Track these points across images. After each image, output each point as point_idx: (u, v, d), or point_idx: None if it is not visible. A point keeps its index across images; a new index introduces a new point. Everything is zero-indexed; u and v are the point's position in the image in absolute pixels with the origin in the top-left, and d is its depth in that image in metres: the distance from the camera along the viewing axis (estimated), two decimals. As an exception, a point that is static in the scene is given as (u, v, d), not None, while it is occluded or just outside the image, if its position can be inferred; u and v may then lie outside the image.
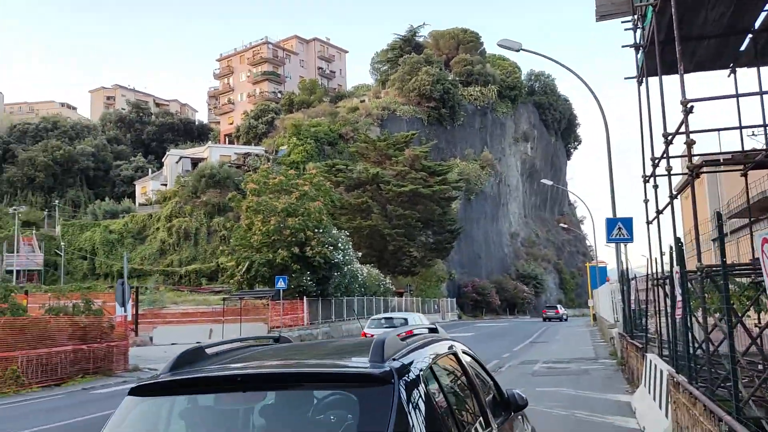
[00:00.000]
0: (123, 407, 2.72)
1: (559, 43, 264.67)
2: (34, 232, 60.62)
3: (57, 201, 72.48)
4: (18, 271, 54.99)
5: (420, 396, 2.59)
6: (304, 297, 31.99)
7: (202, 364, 3.03)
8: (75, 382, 16.41)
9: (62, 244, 59.12)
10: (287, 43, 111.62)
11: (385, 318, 22.16)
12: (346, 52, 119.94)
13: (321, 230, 32.70)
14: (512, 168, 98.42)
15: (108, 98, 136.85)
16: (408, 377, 2.59)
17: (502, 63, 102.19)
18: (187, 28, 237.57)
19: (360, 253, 39.18)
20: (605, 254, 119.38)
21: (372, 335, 16.91)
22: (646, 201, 10.56)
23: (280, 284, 28.68)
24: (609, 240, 16.34)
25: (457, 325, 51.43)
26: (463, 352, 3.83)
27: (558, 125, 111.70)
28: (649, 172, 9.93)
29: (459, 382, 3.56)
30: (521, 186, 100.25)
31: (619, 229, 15.77)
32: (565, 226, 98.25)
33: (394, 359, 2.67)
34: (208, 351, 3.28)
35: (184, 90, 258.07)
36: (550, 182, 47.62)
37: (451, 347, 3.67)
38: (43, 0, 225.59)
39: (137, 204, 73.59)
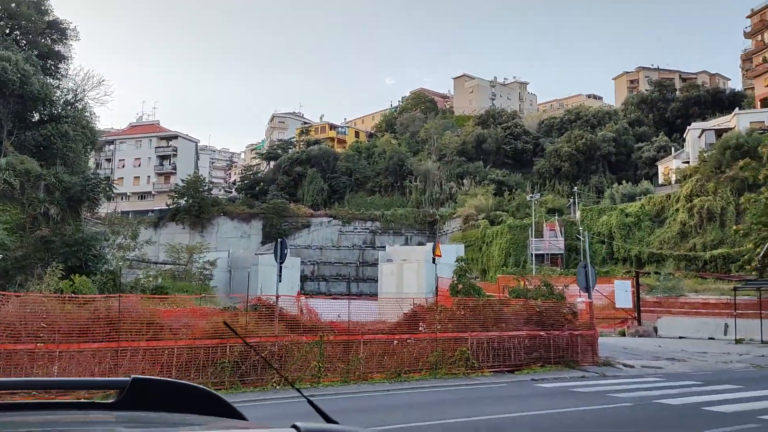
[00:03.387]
0: None
1: None
2: (556, 218, 64.00)
3: (577, 187, 75.20)
4: (543, 255, 58.97)
5: None
6: None
7: None
8: (530, 371, 15.14)
9: (581, 228, 60.49)
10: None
11: None
12: None
13: None
14: None
15: (631, 82, 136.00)
16: None
17: None
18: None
19: None
20: None
21: None
22: None
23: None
24: None
25: None
26: None
27: None
28: None
29: None
30: None
31: None
32: None
33: None
34: None
35: (714, 60, 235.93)
36: None
37: None
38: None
39: (657, 185, 69.79)
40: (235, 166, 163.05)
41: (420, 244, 74.18)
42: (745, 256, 28.66)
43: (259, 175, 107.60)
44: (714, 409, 10.39)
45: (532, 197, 60.84)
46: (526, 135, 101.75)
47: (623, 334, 28.04)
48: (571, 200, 74.97)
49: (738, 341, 24.48)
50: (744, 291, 27.66)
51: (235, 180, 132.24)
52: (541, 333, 15.79)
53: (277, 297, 13.16)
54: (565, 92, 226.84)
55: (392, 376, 13.38)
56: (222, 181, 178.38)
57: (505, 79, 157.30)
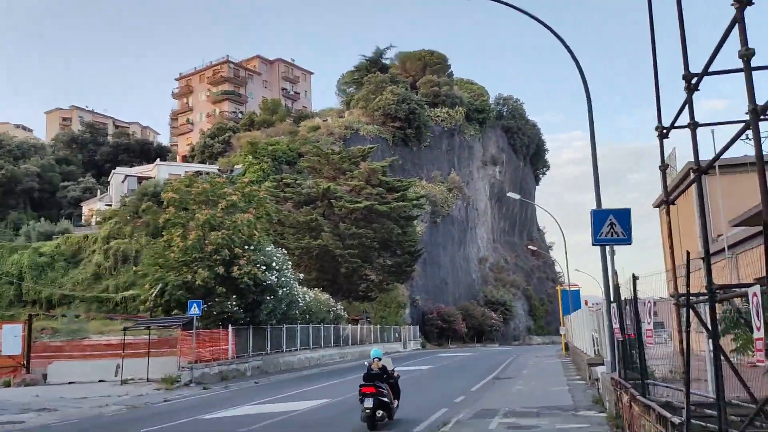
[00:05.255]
0: None
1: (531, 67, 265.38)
2: (-43, 255, 55.00)
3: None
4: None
5: None
6: (230, 325, 27.39)
7: None
8: None
9: (-16, 268, 53.62)
10: (250, 63, 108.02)
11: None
12: (311, 73, 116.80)
13: (252, 247, 28.32)
14: (480, 192, 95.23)
15: (64, 119, 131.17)
16: None
17: (470, 86, 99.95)
18: (150, 49, 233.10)
19: (302, 275, 34.75)
20: (576, 281, 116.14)
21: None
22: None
23: (194, 310, 24.18)
24: (596, 241, 11.80)
25: (419, 354, 47.08)
26: None
27: (526, 150, 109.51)
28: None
29: None
30: (490, 210, 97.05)
31: (612, 225, 11.51)
32: (534, 248, 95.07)
33: None
34: None
35: (150, 113, 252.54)
36: (517, 196, 44.08)
37: None
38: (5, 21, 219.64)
39: (79, 226, 68.28)
40: None
41: None
42: (142, 297, 30.42)
43: None
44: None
45: None
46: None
47: (8, 385, 25.42)
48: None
49: (125, 382, 25.21)
50: (136, 331, 28.96)
51: None
52: None
53: None
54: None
55: None
56: None
57: None
